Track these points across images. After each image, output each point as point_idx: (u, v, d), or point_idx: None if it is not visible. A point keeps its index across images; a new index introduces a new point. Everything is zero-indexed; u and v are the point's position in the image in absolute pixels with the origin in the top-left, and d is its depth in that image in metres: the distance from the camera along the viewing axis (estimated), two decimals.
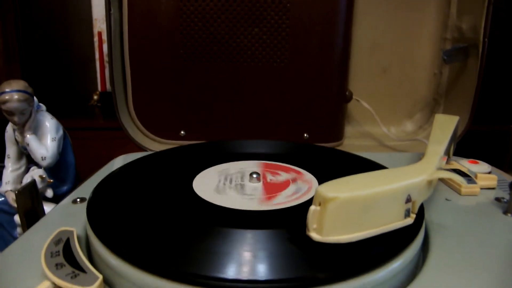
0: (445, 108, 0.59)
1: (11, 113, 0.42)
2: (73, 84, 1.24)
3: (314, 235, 0.21)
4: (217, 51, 0.54)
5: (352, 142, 0.60)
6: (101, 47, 1.15)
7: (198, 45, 0.53)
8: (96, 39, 1.15)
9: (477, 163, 0.42)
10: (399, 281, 0.23)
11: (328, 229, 0.20)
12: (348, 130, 0.62)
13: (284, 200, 0.29)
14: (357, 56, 0.59)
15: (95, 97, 1.21)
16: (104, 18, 0.48)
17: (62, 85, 1.23)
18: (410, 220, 0.23)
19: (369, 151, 0.57)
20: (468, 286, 0.22)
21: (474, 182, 0.35)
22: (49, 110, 0.46)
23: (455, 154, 0.45)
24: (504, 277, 0.23)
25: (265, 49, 0.54)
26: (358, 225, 0.21)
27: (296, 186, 0.32)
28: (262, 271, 0.20)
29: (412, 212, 0.23)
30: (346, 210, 0.20)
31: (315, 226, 0.21)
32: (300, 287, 0.19)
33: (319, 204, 0.21)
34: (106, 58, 1.14)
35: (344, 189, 0.21)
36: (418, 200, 0.23)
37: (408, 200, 0.22)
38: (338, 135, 0.59)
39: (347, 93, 0.57)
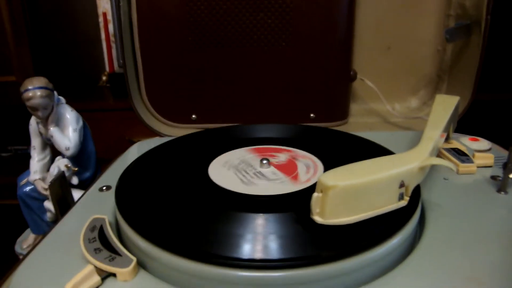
0: (449, 84, 0.61)
1: (35, 108, 0.45)
2: (81, 65, 1.26)
3: (317, 218, 0.24)
4: (224, 37, 0.55)
5: (357, 120, 0.62)
6: (106, 28, 1.15)
7: (205, 31, 0.55)
8: (101, 19, 1.16)
9: (477, 140, 0.44)
10: (398, 256, 0.26)
11: (329, 213, 0.23)
12: (354, 108, 0.63)
13: (307, 176, 0.32)
14: (361, 35, 0.59)
15: (104, 78, 1.23)
16: None
17: (70, 67, 1.25)
18: (404, 203, 0.26)
19: (374, 129, 0.59)
20: (459, 260, 0.24)
21: (471, 161, 0.37)
22: (59, 92, 0.49)
23: (460, 128, 0.47)
24: (495, 251, 0.25)
25: (270, 32, 0.55)
26: (356, 208, 0.24)
27: (302, 163, 0.35)
28: (275, 251, 0.23)
29: (406, 195, 0.26)
30: (344, 196, 0.23)
31: (318, 210, 0.24)
32: (308, 265, 0.22)
33: (321, 191, 0.24)
34: (112, 38, 1.15)
35: (343, 177, 0.24)
36: (411, 185, 0.26)
37: (402, 185, 0.25)
38: (344, 114, 0.61)
39: (351, 72, 0.59)
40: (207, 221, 0.27)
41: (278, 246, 0.24)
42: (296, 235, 0.25)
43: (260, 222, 0.26)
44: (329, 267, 0.22)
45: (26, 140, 0.53)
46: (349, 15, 0.56)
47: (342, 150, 0.40)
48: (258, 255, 0.23)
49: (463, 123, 0.51)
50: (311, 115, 0.58)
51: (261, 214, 0.27)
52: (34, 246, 0.28)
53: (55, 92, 0.48)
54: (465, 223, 0.28)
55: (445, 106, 0.40)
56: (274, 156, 0.38)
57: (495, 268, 0.24)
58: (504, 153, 0.42)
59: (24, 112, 0.49)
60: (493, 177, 0.36)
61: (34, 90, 0.44)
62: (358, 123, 0.61)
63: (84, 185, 0.51)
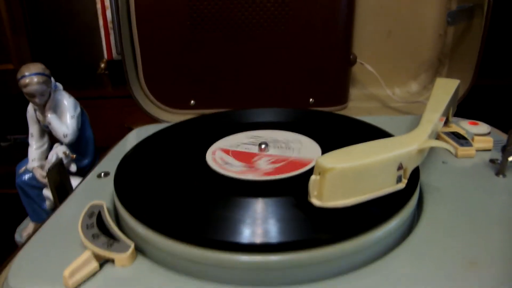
0: (450, 68, 0.60)
1: (32, 95, 0.45)
2: (80, 53, 1.25)
3: (315, 201, 0.24)
4: (223, 21, 0.55)
5: (357, 105, 0.62)
6: (104, 14, 1.14)
7: (204, 15, 0.54)
8: (99, 6, 1.14)
9: (477, 124, 0.44)
10: (396, 238, 0.26)
11: (327, 195, 0.23)
12: (353, 92, 0.63)
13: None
14: (361, 19, 0.59)
15: (102, 65, 1.23)
16: None
17: (68, 54, 1.25)
18: (401, 185, 0.26)
19: (373, 113, 0.59)
20: (457, 243, 0.24)
21: (470, 145, 0.37)
22: (57, 80, 0.49)
23: (460, 113, 0.47)
24: (493, 234, 0.25)
25: (269, 16, 0.55)
26: (354, 191, 0.24)
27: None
28: (274, 234, 0.23)
29: (404, 178, 0.26)
30: (342, 179, 0.23)
31: (315, 193, 0.24)
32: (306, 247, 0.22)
33: (319, 174, 0.23)
34: (110, 25, 1.14)
35: (341, 160, 0.23)
36: (409, 167, 0.26)
37: (400, 167, 0.25)
38: (343, 98, 0.60)
39: (351, 56, 0.58)
40: (205, 206, 0.27)
41: (276, 229, 0.24)
42: (294, 218, 0.25)
43: (258, 207, 0.26)
44: (327, 250, 0.22)
45: (25, 129, 0.52)
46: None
47: (340, 133, 0.40)
48: (256, 239, 0.23)
49: (463, 107, 0.51)
50: (311, 99, 0.58)
51: (259, 199, 0.27)
52: (33, 233, 0.28)
53: (52, 78, 0.47)
54: (463, 206, 0.28)
55: (445, 89, 0.40)
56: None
57: (493, 251, 0.24)
58: (503, 136, 0.42)
59: (23, 101, 0.49)
60: (492, 161, 0.35)
61: (31, 76, 0.44)
62: (358, 108, 0.61)
63: (83, 172, 0.51)
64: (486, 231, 0.26)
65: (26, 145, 0.53)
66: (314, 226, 0.24)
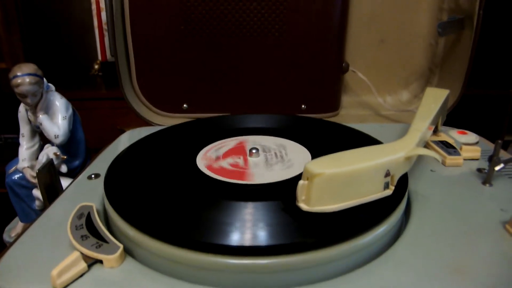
0: (440, 78, 0.61)
1: (23, 95, 0.45)
2: (74, 53, 1.25)
3: (303, 206, 0.24)
4: (217, 26, 0.55)
5: (349, 112, 0.63)
6: (99, 15, 1.13)
7: (198, 20, 0.55)
8: (94, 7, 1.14)
9: (465, 133, 0.44)
10: (383, 245, 0.26)
11: (314, 200, 0.24)
12: (345, 99, 0.64)
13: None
14: (354, 27, 0.59)
15: (96, 66, 1.22)
16: None
17: (62, 55, 1.24)
18: (389, 192, 0.26)
19: (365, 121, 0.59)
20: (443, 250, 0.25)
21: (458, 154, 0.38)
22: (50, 80, 0.49)
23: (450, 122, 0.47)
24: (479, 242, 0.26)
25: (263, 22, 0.55)
26: (341, 196, 0.24)
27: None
28: (262, 238, 0.23)
29: (391, 185, 0.26)
30: (330, 184, 0.24)
31: (303, 197, 0.24)
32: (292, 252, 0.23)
33: (307, 179, 0.24)
34: (105, 27, 1.13)
35: (329, 165, 0.24)
36: (396, 174, 0.26)
37: (387, 174, 0.25)
38: (335, 105, 0.61)
39: (343, 64, 0.59)
40: (195, 209, 0.27)
41: (264, 233, 0.24)
42: (282, 222, 0.25)
43: (247, 211, 0.26)
44: (314, 255, 0.23)
45: (16, 129, 0.52)
46: (343, 7, 0.56)
47: (330, 139, 0.41)
48: (244, 242, 0.23)
49: (453, 116, 0.52)
50: (303, 106, 0.59)
51: (248, 203, 0.27)
52: (21, 233, 0.28)
53: (45, 79, 0.47)
54: (451, 214, 0.29)
55: (435, 99, 0.40)
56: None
57: (478, 259, 0.24)
58: (491, 146, 0.43)
59: (15, 100, 0.49)
60: (479, 170, 0.36)
61: (23, 76, 0.44)
62: (349, 115, 0.61)
63: (73, 173, 0.50)
64: (472, 240, 0.26)
65: (16, 145, 0.52)
66: (301, 230, 0.24)
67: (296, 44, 0.56)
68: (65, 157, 0.47)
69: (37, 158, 0.50)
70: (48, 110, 0.48)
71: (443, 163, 0.37)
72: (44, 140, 0.51)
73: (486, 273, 0.23)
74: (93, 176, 0.36)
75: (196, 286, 0.23)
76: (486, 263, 0.24)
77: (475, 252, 0.25)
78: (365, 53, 0.61)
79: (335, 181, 0.24)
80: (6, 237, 0.52)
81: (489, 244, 0.26)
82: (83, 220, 0.27)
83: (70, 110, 0.50)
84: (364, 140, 0.40)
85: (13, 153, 0.54)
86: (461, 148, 0.39)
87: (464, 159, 0.38)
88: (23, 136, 0.51)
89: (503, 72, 1.04)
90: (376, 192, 0.25)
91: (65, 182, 0.44)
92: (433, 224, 0.28)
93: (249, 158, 0.35)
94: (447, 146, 0.39)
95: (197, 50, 0.56)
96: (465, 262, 0.24)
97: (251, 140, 0.39)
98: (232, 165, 0.34)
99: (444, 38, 0.59)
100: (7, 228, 0.54)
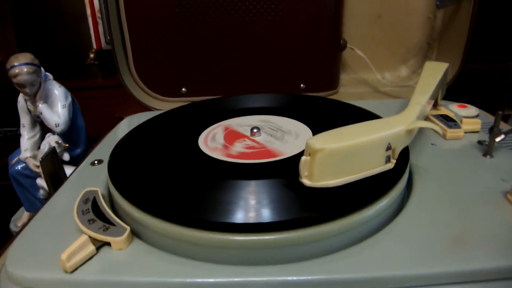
0: (439, 52, 0.61)
1: (22, 85, 0.45)
2: (68, 43, 1.23)
3: (306, 181, 0.24)
4: (212, 8, 0.54)
5: (348, 90, 0.62)
6: (91, 3, 1.12)
7: (193, 2, 0.54)
8: None
9: (465, 107, 0.44)
10: (386, 218, 0.26)
11: (317, 175, 0.24)
12: (344, 77, 0.63)
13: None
14: (351, 3, 0.59)
15: (92, 55, 1.21)
16: None
17: (56, 45, 1.23)
18: (390, 165, 0.26)
19: (364, 98, 0.59)
20: (444, 221, 0.25)
21: (459, 127, 0.38)
22: (46, 71, 0.48)
23: (449, 97, 0.47)
24: (480, 213, 0.26)
25: (259, 2, 0.54)
26: (343, 171, 0.24)
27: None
28: (266, 215, 0.24)
29: (393, 158, 0.26)
30: (332, 159, 0.24)
31: (306, 173, 0.24)
32: (297, 227, 0.23)
33: (309, 154, 0.24)
34: (98, 14, 1.12)
35: (330, 140, 0.24)
36: (397, 148, 0.26)
37: (389, 148, 0.26)
38: (334, 83, 0.61)
39: (341, 41, 0.58)
40: (198, 189, 0.27)
41: (267, 210, 0.24)
42: (285, 198, 0.25)
43: (250, 188, 0.27)
44: (318, 229, 0.23)
45: (15, 122, 0.52)
46: None
47: (331, 117, 0.41)
48: (250, 219, 0.23)
49: (452, 91, 0.52)
50: (301, 85, 0.58)
51: (250, 181, 0.27)
52: (28, 221, 0.29)
53: (42, 68, 0.47)
54: (452, 187, 0.29)
55: (434, 72, 0.40)
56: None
57: (480, 229, 0.24)
58: (491, 119, 0.43)
59: (12, 93, 0.48)
60: (480, 142, 0.36)
61: (20, 66, 0.43)
62: (348, 93, 0.61)
63: (76, 162, 0.51)
64: (473, 211, 0.26)
65: (17, 137, 0.52)
66: (305, 205, 0.24)
67: (293, 23, 0.55)
68: (67, 145, 0.47)
69: (39, 147, 0.50)
70: (47, 99, 0.48)
71: (444, 137, 0.37)
72: (45, 130, 0.51)
73: (488, 242, 0.23)
74: (96, 162, 0.37)
75: (202, 263, 0.23)
76: (488, 232, 0.24)
77: (477, 222, 0.25)
78: (363, 29, 0.61)
79: (337, 156, 0.24)
80: (12, 227, 0.53)
81: (491, 214, 0.26)
82: (89, 205, 0.27)
83: (69, 98, 0.50)
84: (365, 116, 0.40)
85: (14, 146, 0.55)
86: (461, 121, 0.39)
87: (465, 132, 0.38)
88: (23, 127, 0.51)
89: (502, 45, 1.03)
90: (378, 166, 0.26)
91: (68, 170, 0.44)
92: (435, 196, 0.28)
93: (256, 138, 0.35)
94: (448, 120, 0.39)
95: (194, 33, 0.55)
96: (467, 232, 0.24)
97: (267, 120, 0.39)
98: (226, 140, 0.34)
99: (442, 12, 0.58)
100: (13, 218, 0.55)
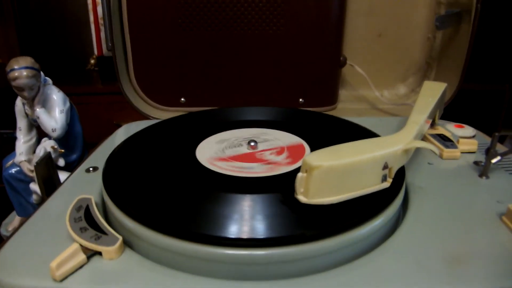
0: (437, 72, 0.61)
1: (21, 89, 0.45)
2: (70, 48, 1.24)
3: (301, 198, 0.24)
4: (215, 20, 0.55)
5: (346, 106, 0.63)
6: (95, 10, 1.12)
7: (195, 13, 0.54)
8: (89, 1, 1.13)
9: (462, 127, 0.45)
10: (381, 236, 0.26)
11: (313, 192, 0.24)
12: (343, 94, 0.64)
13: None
14: (352, 21, 0.59)
15: (92, 61, 1.22)
16: None
17: (58, 49, 1.23)
18: (386, 184, 0.26)
19: (362, 115, 0.59)
20: (440, 241, 0.25)
21: (456, 147, 0.38)
22: (46, 75, 0.48)
23: (447, 116, 0.48)
24: (476, 233, 0.26)
25: (261, 16, 0.55)
26: (340, 189, 0.24)
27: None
28: (260, 230, 0.24)
29: (389, 177, 0.26)
30: (328, 176, 0.24)
31: (302, 190, 0.24)
32: (290, 244, 0.23)
33: (306, 171, 0.24)
34: (100, 21, 1.13)
35: (327, 158, 0.24)
36: (394, 167, 0.26)
37: (385, 167, 0.25)
38: (333, 99, 0.61)
39: (341, 58, 0.59)
40: (193, 201, 0.27)
41: (262, 225, 0.24)
42: (280, 214, 0.25)
43: (245, 203, 0.26)
44: (312, 246, 0.23)
45: (11, 124, 0.52)
46: (341, 1, 0.56)
47: (328, 132, 0.41)
48: (243, 234, 0.23)
49: (450, 111, 0.52)
50: (300, 99, 0.59)
51: (246, 195, 0.27)
52: (19, 226, 0.28)
53: (42, 73, 0.47)
54: (448, 206, 0.29)
55: (432, 92, 0.40)
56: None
57: (476, 250, 0.24)
58: (488, 140, 0.43)
59: (10, 95, 0.48)
60: (476, 163, 0.36)
61: (20, 70, 0.43)
62: (347, 109, 0.61)
63: (71, 167, 0.50)
64: (469, 231, 0.26)
65: (12, 140, 0.52)
66: (300, 222, 0.24)
67: (294, 38, 0.56)
68: (62, 150, 0.47)
69: (34, 151, 0.50)
70: (45, 104, 0.48)
71: (441, 156, 0.38)
72: (41, 134, 0.51)
73: (483, 264, 0.23)
74: (91, 169, 0.36)
75: (194, 277, 0.23)
76: (483, 254, 0.24)
77: (472, 243, 0.25)
78: (363, 47, 0.61)
79: (333, 173, 0.24)
80: (3, 231, 0.52)
81: (486, 235, 0.26)
82: (81, 213, 0.26)
83: (68, 104, 0.50)
84: (362, 133, 0.40)
85: (9, 148, 0.54)
86: (458, 141, 0.39)
87: (461, 152, 0.38)
88: (20, 130, 0.51)
89: (499, 67, 1.04)
90: (374, 185, 0.26)
91: (62, 176, 0.44)
92: (430, 216, 0.28)
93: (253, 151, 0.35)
94: (444, 139, 0.40)
95: (195, 44, 0.56)
96: (463, 253, 0.24)
97: (246, 133, 0.39)
98: (251, 161, 0.33)
99: (442, 32, 0.59)
100: (4, 222, 0.54)
